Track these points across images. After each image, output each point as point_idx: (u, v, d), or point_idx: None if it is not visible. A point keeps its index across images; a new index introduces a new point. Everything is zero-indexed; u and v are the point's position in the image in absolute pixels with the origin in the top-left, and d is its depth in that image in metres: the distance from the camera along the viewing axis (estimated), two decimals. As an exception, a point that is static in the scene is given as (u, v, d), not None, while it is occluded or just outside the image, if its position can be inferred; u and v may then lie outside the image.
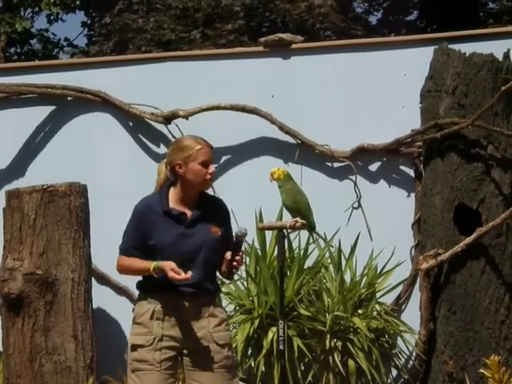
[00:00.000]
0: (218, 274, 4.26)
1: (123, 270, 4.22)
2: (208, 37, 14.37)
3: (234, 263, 4.11)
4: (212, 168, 4.17)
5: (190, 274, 4.00)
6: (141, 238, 4.13)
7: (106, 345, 6.24)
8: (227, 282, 5.52)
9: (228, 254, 4.12)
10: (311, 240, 5.99)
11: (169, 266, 4.01)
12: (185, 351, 4.14)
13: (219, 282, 4.39)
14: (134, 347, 4.12)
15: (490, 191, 5.94)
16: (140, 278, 4.23)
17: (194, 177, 4.13)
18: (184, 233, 4.12)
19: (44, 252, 5.96)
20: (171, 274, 4.00)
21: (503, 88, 5.86)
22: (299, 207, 5.10)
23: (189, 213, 4.15)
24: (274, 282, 5.80)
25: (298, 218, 4.84)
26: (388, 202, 6.43)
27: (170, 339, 4.11)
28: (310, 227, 5.29)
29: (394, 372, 6.14)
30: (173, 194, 4.18)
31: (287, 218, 5.02)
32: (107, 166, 6.70)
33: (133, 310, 4.23)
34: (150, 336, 4.09)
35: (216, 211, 4.22)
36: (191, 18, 14.83)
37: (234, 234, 4.17)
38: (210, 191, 4.33)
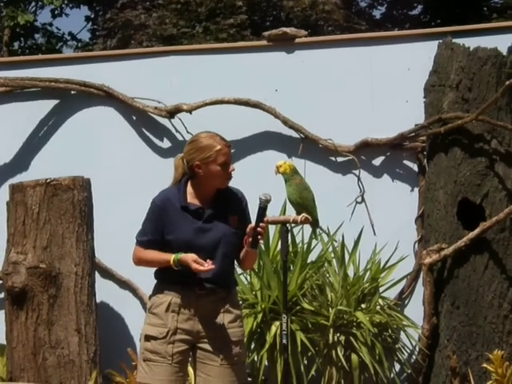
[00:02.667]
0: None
1: (140, 261, 4.22)
2: (210, 31, 14.34)
3: (259, 229, 4.08)
4: (231, 167, 4.18)
5: (211, 264, 4.00)
6: (159, 231, 4.14)
7: (110, 338, 6.25)
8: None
9: (251, 225, 4.10)
10: (314, 236, 5.96)
11: (191, 257, 4.02)
12: (197, 344, 4.15)
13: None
14: (148, 338, 4.14)
15: (494, 186, 5.94)
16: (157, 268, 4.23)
17: (214, 177, 4.13)
18: (202, 227, 4.12)
19: (47, 246, 5.97)
20: (195, 266, 4.00)
21: (507, 82, 5.86)
22: (305, 203, 5.09)
23: (206, 207, 4.15)
24: (277, 277, 5.80)
25: (304, 214, 4.83)
26: (391, 196, 6.43)
27: (183, 332, 4.12)
28: (315, 223, 5.28)
29: (397, 366, 6.14)
30: (190, 188, 4.18)
31: (290, 213, 5.01)
32: (111, 159, 6.69)
33: (149, 297, 4.24)
34: (164, 328, 4.11)
35: (234, 204, 4.21)
36: (194, 13, 14.80)
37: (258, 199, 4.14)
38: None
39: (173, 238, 4.12)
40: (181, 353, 4.13)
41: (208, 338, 4.14)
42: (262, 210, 4.12)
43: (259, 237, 4.11)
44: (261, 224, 4.09)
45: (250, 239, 4.10)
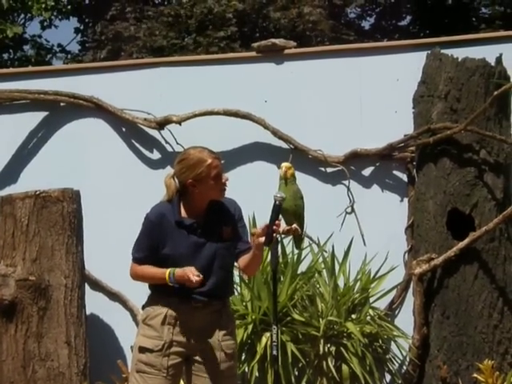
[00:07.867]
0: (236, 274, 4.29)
1: (137, 277, 4.21)
2: (200, 44, 14.37)
3: (275, 227, 4.07)
4: (225, 177, 4.18)
5: (199, 276, 3.99)
6: (154, 247, 4.12)
7: (100, 351, 6.23)
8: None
9: (265, 223, 4.08)
10: (304, 246, 5.94)
11: (188, 268, 4.00)
12: (192, 357, 4.14)
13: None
14: (142, 349, 4.12)
15: (483, 196, 5.95)
16: None
17: (209, 192, 4.13)
18: (197, 242, 4.12)
19: (37, 258, 5.95)
20: (187, 273, 3.97)
21: (495, 93, 5.88)
22: (298, 212, 5.08)
23: (200, 221, 4.14)
24: (267, 287, 5.79)
25: (295, 225, 4.82)
26: (381, 206, 6.43)
27: (178, 345, 4.12)
28: (302, 235, 5.26)
29: (388, 377, 6.13)
30: (184, 203, 4.17)
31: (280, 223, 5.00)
32: (100, 171, 6.69)
33: (142, 307, 4.22)
34: (160, 341, 4.10)
35: (227, 215, 4.21)
36: (183, 25, 14.83)
37: (273, 198, 4.16)
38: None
39: (168, 253, 4.11)
40: (175, 365, 4.13)
41: (202, 350, 4.14)
42: (278, 207, 4.13)
43: (274, 234, 4.10)
44: (276, 222, 4.09)
45: (263, 238, 4.07)
